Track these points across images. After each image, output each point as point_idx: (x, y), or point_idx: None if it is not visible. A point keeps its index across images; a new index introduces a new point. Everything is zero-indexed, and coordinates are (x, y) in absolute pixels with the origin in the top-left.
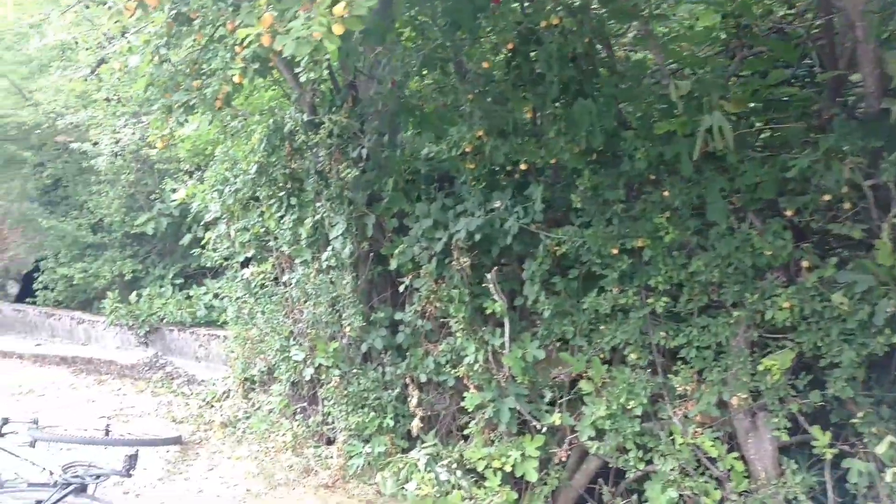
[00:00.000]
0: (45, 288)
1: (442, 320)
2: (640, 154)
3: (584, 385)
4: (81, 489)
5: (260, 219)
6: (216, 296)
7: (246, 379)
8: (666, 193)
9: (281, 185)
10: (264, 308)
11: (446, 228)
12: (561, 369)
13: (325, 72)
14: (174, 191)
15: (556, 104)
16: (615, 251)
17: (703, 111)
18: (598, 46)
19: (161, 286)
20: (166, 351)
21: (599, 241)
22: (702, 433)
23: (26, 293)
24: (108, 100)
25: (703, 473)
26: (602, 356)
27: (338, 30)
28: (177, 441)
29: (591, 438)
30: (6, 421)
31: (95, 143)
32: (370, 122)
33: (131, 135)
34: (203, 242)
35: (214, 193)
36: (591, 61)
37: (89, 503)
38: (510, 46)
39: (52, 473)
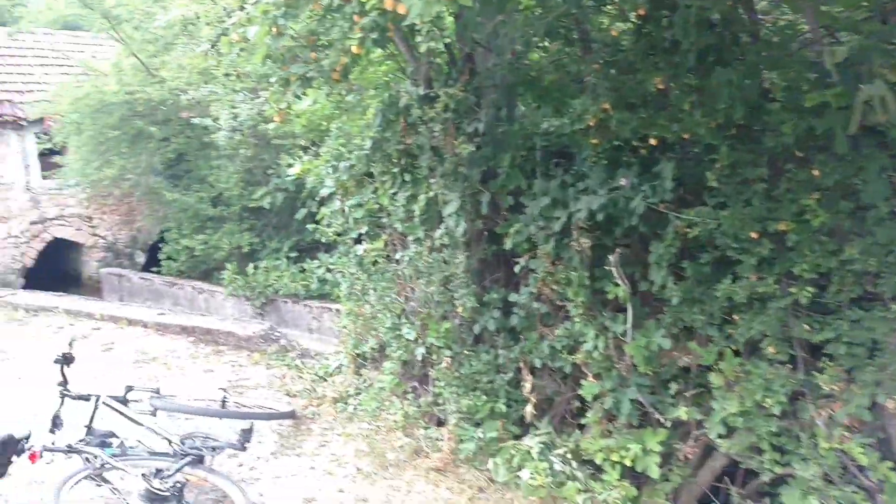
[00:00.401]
0: (169, 258)
1: (559, 304)
2: (787, 128)
3: (714, 378)
4: (199, 460)
5: (374, 195)
6: (329, 270)
7: (358, 355)
8: (816, 172)
9: (395, 160)
10: (377, 285)
11: (566, 207)
12: (689, 360)
13: (443, 43)
14: (290, 166)
15: (692, 74)
16: (755, 235)
17: (863, 80)
18: (740, 10)
19: (277, 259)
20: (280, 322)
21: (737, 224)
22: (850, 438)
23: (152, 263)
24: (226, 75)
25: (850, 482)
26: (734, 348)
27: None
28: (290, 415)
29: (720, 436)
30: (130, 389)
31: (216, 119)
32: (487, 95)
33: (249, 110)
34: (318, 218)
35: (329, 169)
36: (732, 27)
37: (206, 474)
38: (641, 12)
39: (171, 443)
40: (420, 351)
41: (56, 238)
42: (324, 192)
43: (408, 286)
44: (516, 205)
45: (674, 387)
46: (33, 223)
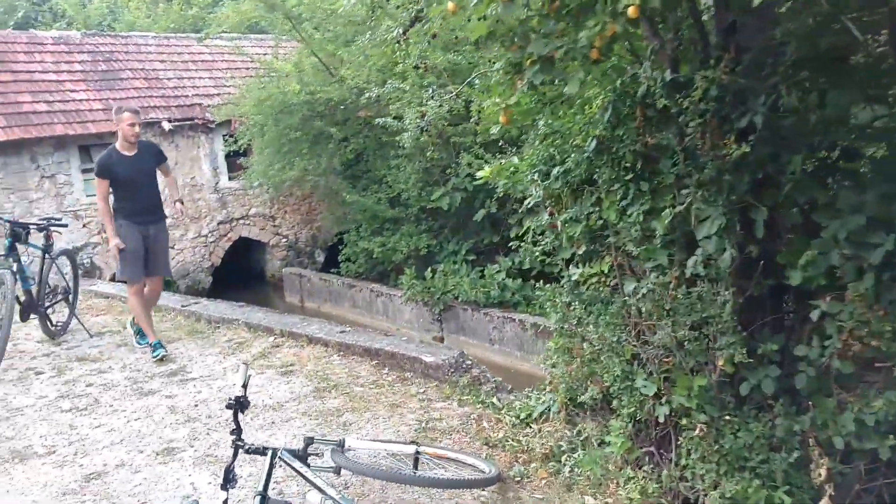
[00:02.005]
0: (348, 260)
1: (874, 363)
2: None
3: None
4: None
5: (596, 208)
6: (509, 275)
7: (570, 400)
8: None
9: (628, 165)
10: (598, 320)
11: (892, 229)
12: None
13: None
14: (469, 165)
15: None
16: None
17: None
18: None
19: (454, 262)
20: (459, 330)
21: None
22: None
23: (331, 261)
24: (416, 67)
25: None
26: None
27: None
28: (495, 481)
29: None
30: (310, 441)
31: (399, 118)
32: (765, 78)
33: (437, 107)
34: (520, 233)
35: (535, 175)
36: None
37: None
38: None
39: None
40: (662, 411)
41: (241, 237)
42: (528, 202)
43: (643, 325)
44: (807, 224)
45: None
46: (221, 223)
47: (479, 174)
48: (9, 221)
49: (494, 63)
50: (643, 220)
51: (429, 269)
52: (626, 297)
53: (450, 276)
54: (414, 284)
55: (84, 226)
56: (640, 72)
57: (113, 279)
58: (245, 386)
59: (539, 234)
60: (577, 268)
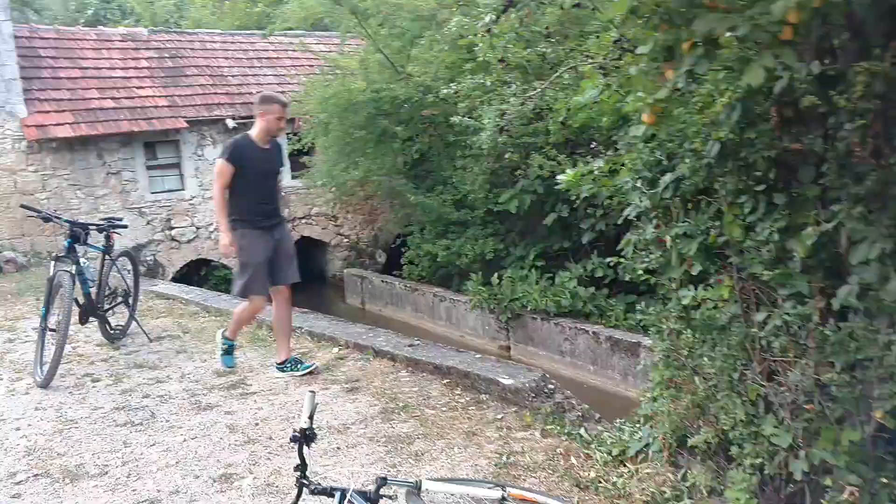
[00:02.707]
0: (411, 262)
1: None
2: None
3: None
4: None
5: (714, 222)
6: (580, 283)
7: (676, 440)
8: None
9: (760, 173)
10: (715, 352)
11: None
12: None
13: None
14: (540, 167)
15: None
16: None
17: None
18: None
19: (521, 268)
20: (527, 340)
21: None
22: None
23: (392, 264)
24: (501, 60)
25: None
26: None
27: None
28: None
29: None
30: (383, 482)
31: (474, 116)
32: None
33: (520, 105)
34: (620, 247)
35: (638, 181)
36: None
37: None
38: None
39: None
40: (799, 466)
41: (303, 236)
42: (629, 212)
43: (773, 363)
44: None
45: None
46: None
47: (560, 178)
48: (68, 222)
49: (591, 54)
50: (777, 239)
51: (495, 274)
52: (752, 328)
53: (518, 283)
54: (480, 291)
55: (148, 223)
56: (780, 62)
57: (178, 280)
58: (311, 417)
59: (641, 249)
60: (689, 290)
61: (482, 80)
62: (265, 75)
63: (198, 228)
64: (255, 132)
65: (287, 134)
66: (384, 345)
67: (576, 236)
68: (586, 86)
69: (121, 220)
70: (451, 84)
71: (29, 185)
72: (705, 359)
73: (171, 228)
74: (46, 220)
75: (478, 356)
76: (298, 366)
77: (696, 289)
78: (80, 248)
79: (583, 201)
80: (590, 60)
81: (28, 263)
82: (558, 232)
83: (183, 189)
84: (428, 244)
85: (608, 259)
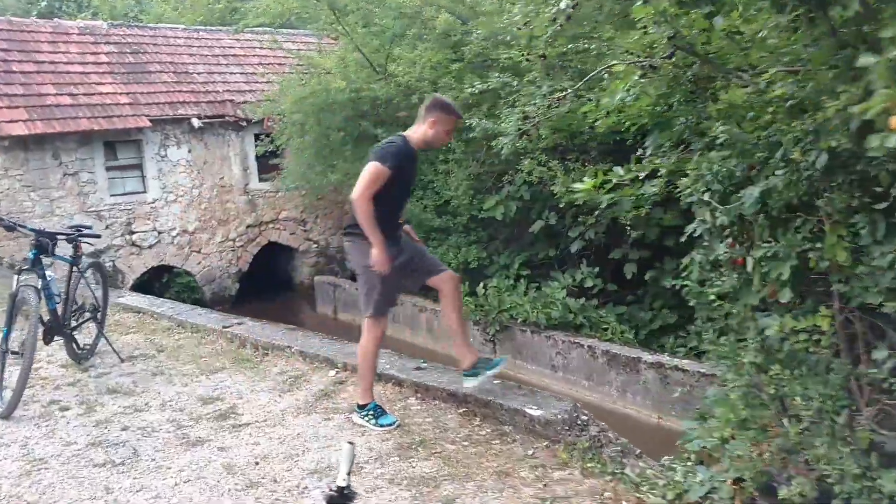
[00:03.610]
0: None
1: None
2: None
3: None
4: None
5: (809, 243)
6: (570, 294)
7: (756, 487)
8: None
9: (881, 189)
10: (809, 391)
11: None
12: None
13: None
14: (529, 173)
15: None
16: None
17: None
18: None
19: (506, 277)
20: (516, 354)
21: None
22: None
23: None
24: (542, 56)
25: None
26: None
27: None
28: None
29: None
30: None
31: (486, 119)
32: None
33: (553, 107)
34: (683, 267)
35: (705, 194)
36: None
37: None
38: None
39: None
40: None
41: (270, 241)
42: (694, 227)
43: (890, 406)
44: None
45: None
46: (250, 226)
47: (577, 187)
48: (34, 231)
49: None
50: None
51: (480, 284)
52: (858, 367)
53: (504, 294)
54: (466, 302)
55: (107, 227)
56: None
57: (138, 288)
58: (350, 473)
59: (708, 270)
60: (773, 318)
61: (506, 80)
62: (232, 73)
63: (160, 233)
64: (415, 137)
65: (255, 134)
66: (387, 367)
67: (563, 245)
68: (618, 87)
69: (90, 227)
70: (477, 83)
71: None
72: (796, 400)
73: (132, 233)
74: (10, 228)
75: (496, 381)
76: (486, 367)
77: (782, 317)
78: (45, 260)
79: (571, 209)
80: (630, 58)
81: None
82: (544, 240)
83: (145, 192)
84: None
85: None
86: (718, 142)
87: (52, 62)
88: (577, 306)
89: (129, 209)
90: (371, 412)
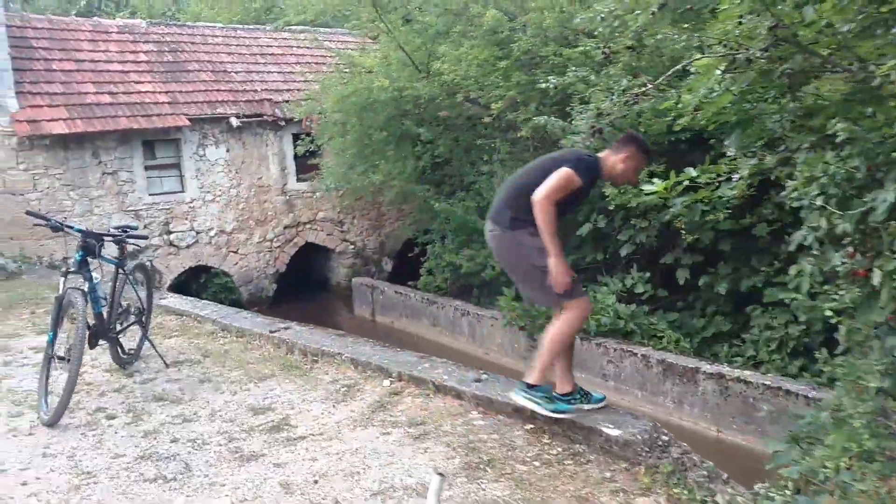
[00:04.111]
0: (429, 273)
1: None
2: None
3: None
4: None
5: None
6: (620, 300)
7: None
8: None
9: None
10: None
11: None
12: None
13: None
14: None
15: None
16: None
17: None
18: None
19: None
20: None
21: None
22: None
23: (399, 272)
24: (630, 48)
25: None
26: None
27: None
28: None
29: None
30: None
31: (570, 118)
32: None
33: (630, 104)
34: (792, 277)
35: (818, 197)
36: None
37: None
38: None
39: None
40: None
41: (307, 242)
42: (801, 236)
43: None
44: None
45: None
46: (287, 227)
47: (648, 189)
48: (80, 231)
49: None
50: None
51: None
52: None
53: None
54: (514, 307)
55: (145, 226)
56: None
57: (175, 288)
58: None
59: (819, 282)
60: None
61: (583, 75)
62: (270, 72)
63: (198, 233)
64: (606, 163)
65: (293, 134)
66: (445, 378)
67: (610, 248)
68: (702, 81)
69: (136, 227)
70: (552, 78)
71: (18, 185)
72: None
73: (170, 233)
74: (56, 229)
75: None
76: (584, 400)
77: None
78: (92, 262)
79: (620, 211)
80: (720, 50)
81: (19, 270)
82: (590, 243)
83: (183, 191)
84: (450, 254)
85: (704, 278)
86: (838, 140)
87: (92, 61)
88: (627, 313)
89: (167, 209)
90: (580, 396)
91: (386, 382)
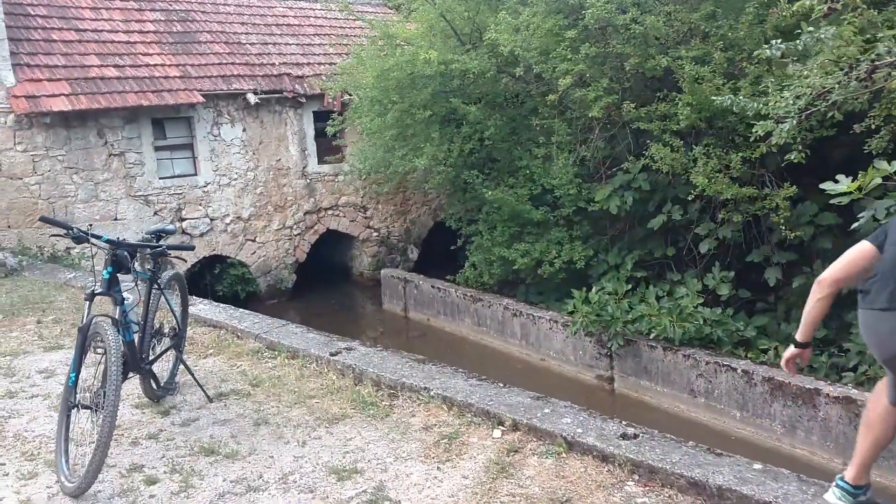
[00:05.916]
0: (473, 266)
1: None
2: None
3: None
4: None
5: None
6: (704, 303)
7: None
8: None
9: None
10: None
11: None
12: None
13: None
14: (651, 159)
15: None
16: None
17: None
18: None
19: (617, 279)
20: (641, 373)
21: None
22: None
23: (424, 260)
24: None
25: None
26: None
27: None
28: None
29: None
30: None
31: (762, 102)
32: None
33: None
34: None
35: None
36: None
37: None
38: None
39: None
40: None
41: (329, 229)
42: None
43: None
44: None
45: None
46: (308, 213)
47: (836, 188)
48: (110, 242)
49: None
50: None
51: (593, 289)
52: None
53: (623, 300)
54: (586, 310)
55: (155, 213)
56: None
57: (189, 280)
58: None
59: None
60: None
61: (797, 43)
62: (287, 44)
63: (212, 220)
64: None
65: (314, 111)
66: (580, 432)
67: (682, 242)
68: None
69: (173, 231)
70: (775, 43)
71: (16, 168)
72: None
73: (183, 220)
74: (79, 240)
75: (757, 466)
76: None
77: None
78: (121, 278)
79: (698, 202)
80: None
81: (20, 266)
82: (660, 236)
83: (196, 174)
84: (500, 247)
85: (798, 279)
86: None
87: (94, 30)
88: (713, 318)
89: (179, 193)
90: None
91: (496, 433)
